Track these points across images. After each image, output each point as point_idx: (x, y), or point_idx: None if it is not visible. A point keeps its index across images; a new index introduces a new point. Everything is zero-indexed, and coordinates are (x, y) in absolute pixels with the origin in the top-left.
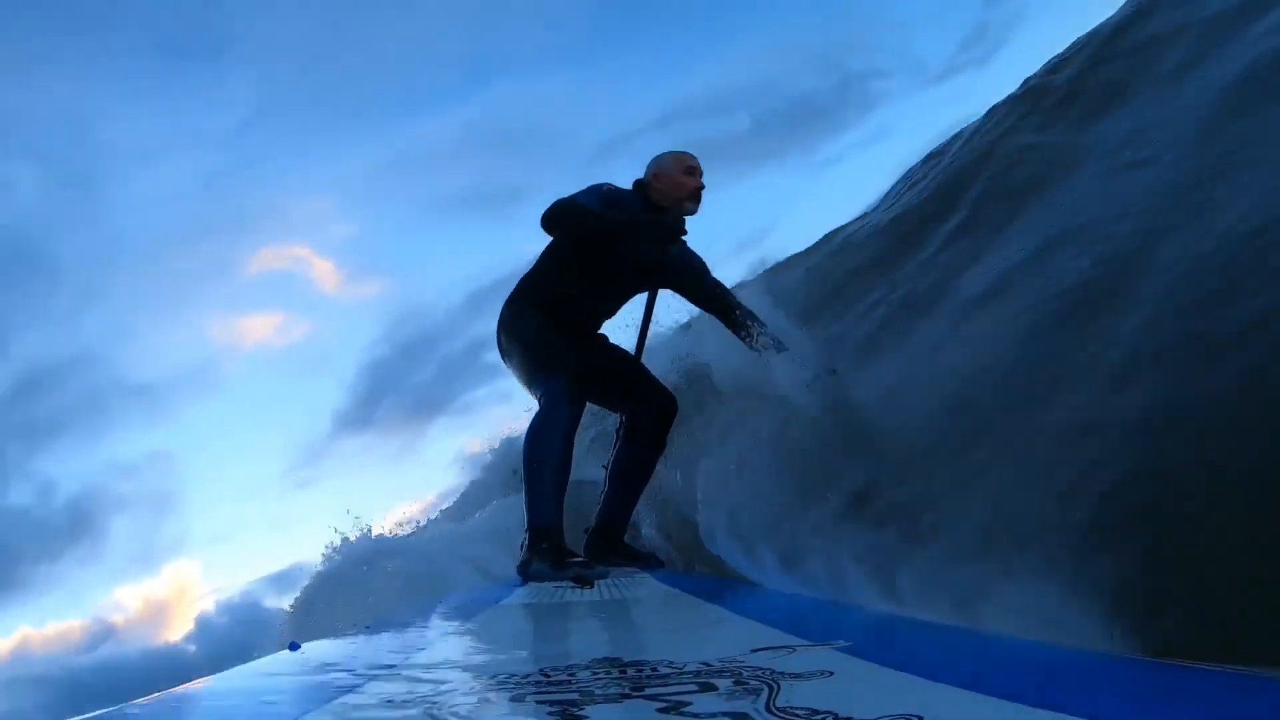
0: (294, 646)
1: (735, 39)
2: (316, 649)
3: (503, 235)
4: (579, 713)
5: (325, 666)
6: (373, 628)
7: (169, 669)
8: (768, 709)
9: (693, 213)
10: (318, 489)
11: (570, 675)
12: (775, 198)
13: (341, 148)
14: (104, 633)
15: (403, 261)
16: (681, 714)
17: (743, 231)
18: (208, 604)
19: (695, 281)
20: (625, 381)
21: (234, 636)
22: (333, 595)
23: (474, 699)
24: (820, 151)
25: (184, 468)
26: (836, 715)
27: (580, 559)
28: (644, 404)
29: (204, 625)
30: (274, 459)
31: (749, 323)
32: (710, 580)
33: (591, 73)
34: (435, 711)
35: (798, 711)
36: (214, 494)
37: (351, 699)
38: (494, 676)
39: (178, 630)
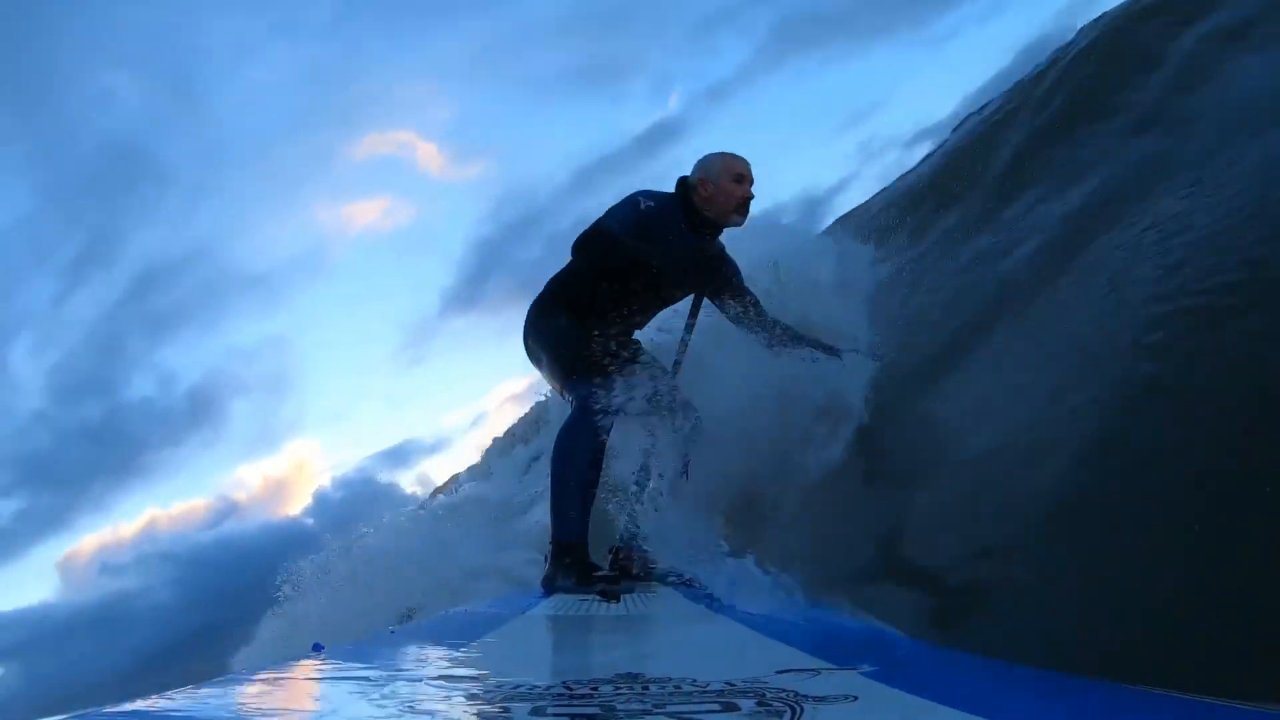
0: (317, 648)
1: None
2: (339, 652)
3: (607, 112)
4: None
5: (347, 670)
6: (397, 633)
7: (289, 542)
8: None
9: (739, 224)
10: (427, 366)
11: (593, 689)
12: (883, 74)
13: (441, 29)
14: (227, 509)
15: (506, 141)
16: None
17: (848, 109)
18: (325, 480)
19: (728, 293)
20: (655, 400)
21: (350, 509)
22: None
23: (495, 709)
24: (932, 26)
25: (299, 351)
26: None
27: (606, 573)
28: (671, 426)
29: (321, 500)
30: (385, 339)
31: (785, 339)
32: (736, 598)
33: None
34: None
35: None
36: (329, 375)
37: (371, 704)
38: (516, 687)
39: (297, 505)
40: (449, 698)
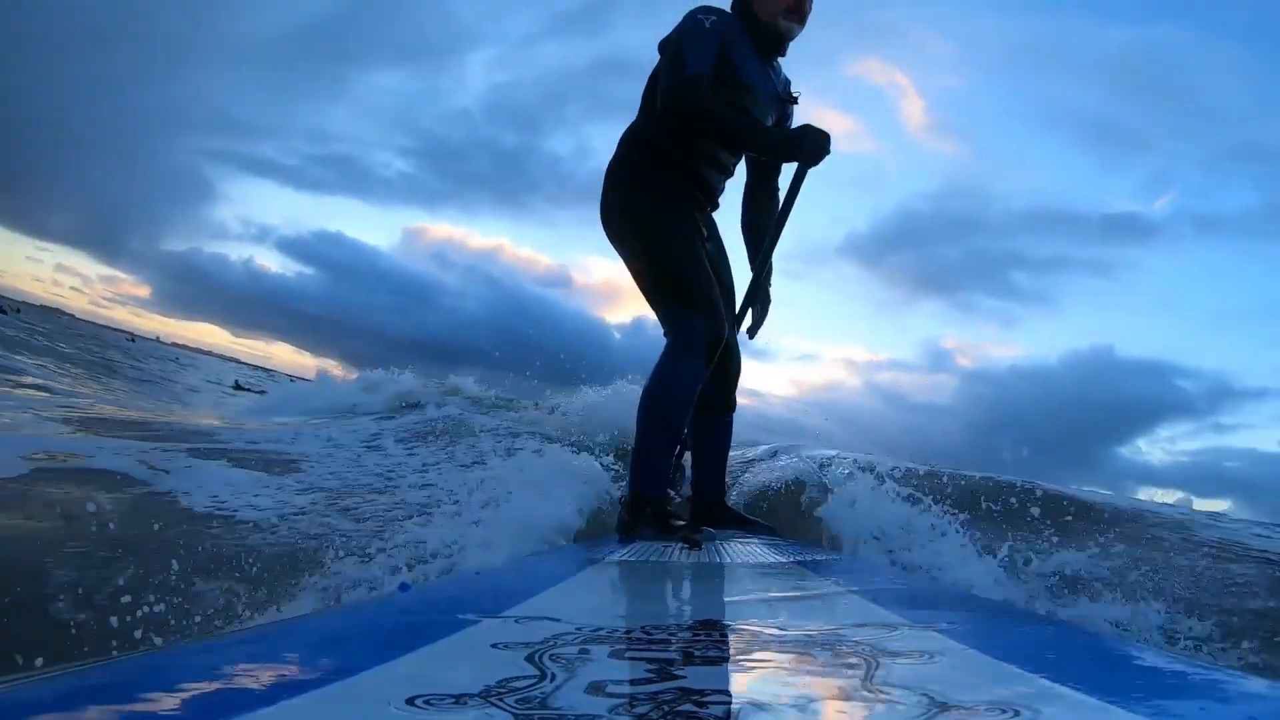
0: (404, 588)
1: None
2: (424, 591)
3: (1090, 170)
4: (677, 672)
5: (432, 608)
6: (481, 575)
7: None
8: (864, 685)
9: (795, 31)
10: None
11: (671, 635)
12: None
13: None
14: (562, 279)
15: (989, 141)
16: (778, 683)
17: None
18: None
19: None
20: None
21: None
22: None
23: (574, 649)
24: None
25: None
26: (932, 698)
27: (686, 522)
28: (720, 364)
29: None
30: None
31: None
32: (819, 551)
33: None
34: (536, 656)
35: (893, 690)
36: None
37: (456, 638)
38: (596, 630)
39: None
40: (529, 636)
